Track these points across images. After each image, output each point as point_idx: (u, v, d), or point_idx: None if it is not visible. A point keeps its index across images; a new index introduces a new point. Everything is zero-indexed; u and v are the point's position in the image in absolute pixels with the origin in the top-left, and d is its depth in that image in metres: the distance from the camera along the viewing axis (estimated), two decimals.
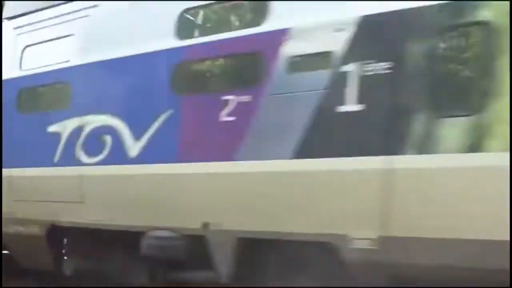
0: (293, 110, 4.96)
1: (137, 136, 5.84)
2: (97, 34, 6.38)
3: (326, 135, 4.82)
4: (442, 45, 4.52)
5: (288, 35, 5.05)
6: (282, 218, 5.05)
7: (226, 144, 5.30)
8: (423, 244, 4.40)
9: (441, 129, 4.34)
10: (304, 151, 4.88)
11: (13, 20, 7.35)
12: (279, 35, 5.08)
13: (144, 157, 5.78)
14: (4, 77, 6.98)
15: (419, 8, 4.50)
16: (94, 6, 6.41)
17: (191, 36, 5.74)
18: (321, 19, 4.95)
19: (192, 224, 5.48)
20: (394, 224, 4.60)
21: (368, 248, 4.69)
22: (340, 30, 4.79)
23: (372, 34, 4.68)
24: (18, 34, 7.18)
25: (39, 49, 6.97)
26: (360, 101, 4.65)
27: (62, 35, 6.66)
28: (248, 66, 5.42)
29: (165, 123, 5.68)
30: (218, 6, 5.78)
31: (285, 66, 5.04)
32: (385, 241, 4.57)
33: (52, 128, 6.54)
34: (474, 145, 4.24)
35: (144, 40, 5.95)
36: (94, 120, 6.14)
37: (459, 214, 4.26)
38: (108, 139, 6.03)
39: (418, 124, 4.44)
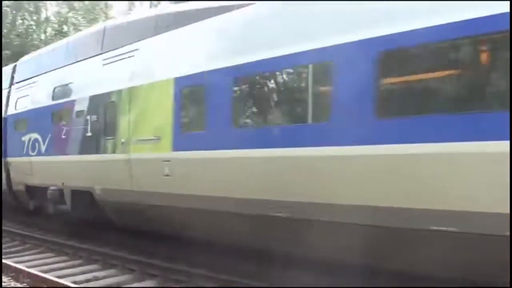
0: (77, 134, 11.78)
1: (44, 142, 13.03)
2: (34, 95, 13.83)
3: (85, 145, 11.54)
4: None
5: (75, 102, 11.92)
6: (78, 181, 11.82)
7: (65, 148, 12.27)
8: (117, 192, 10.68)
9: (105, 143, 10.89)
10: (80, 151, 11.67)
11: (15, 84, 15.21)
12: (73, 102, 12.00)
13: (46, 152, 12.96)
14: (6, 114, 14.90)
15: (103, 94, 11.01)
16: (34, 82, 13.86)
17: (56, 99, 12.85)
18: (83, 96, 11.69)
19: (60, 183, 12.54)
20: (107, 183, 11.00)
21: (100, 193, 11.17)
22: (86, 100, 11.58)
23: (92, 104, 11.35)
24: (15, 91, 14.93)
25: (22, 100, 14.56)
26: (90, 131, 11.36)
27: (27, 94, 14.22)
28: (67, 114, 12.28)
29: (51, 137, 12.79)
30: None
31: (75, 115, 11.90)
32: (104, 190, 11.03)
33: (23, 139, 14.07)
34: (113, 150, 10.71)
35: (45, 100, 13.23)
36: (33, 136, 13.53)
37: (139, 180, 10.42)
38: (36, 144, 13.33)
39: (103, 141, 10.98)
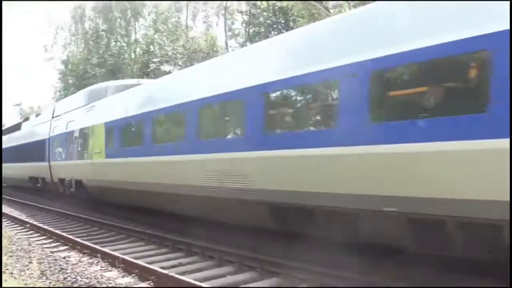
0: (75, 149, 19.43)
1: (63, 152, 20.86)
2: (59, 126, 21.96)
3: (78, 155, 19.16)
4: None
5: (74, 131, 19.69)
6: (77, 175, 19.43)
7: (71, 156, 19.99)
8: (91, 181, 18.26)
9: (85, 154, 18.44)
10: (76, 158, 19.34)
11: (53, 118, 23.29)
12: (73, 131, 19.82)
13: (65, 159, 20.88)
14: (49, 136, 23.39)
15: (84, 127, 18.67)
16: (60, 118, 22.33)
17: (67, 129, 20.74)
18: (77, 128, 19.49)
19: (70, 176, 20.20)
20: (87, 175, 18.46)
21: (85, 181, 18.74)
22: (78, 131, 19.33)
23: (80, 133, 19.02)
24: (56, 119, 23.00)
25: (56, 128, 22.35)
26: (80, 147, 19.06)
27: (57, 125, 22.34)
28: (71, 137, 19.95)
29: (65, 150, 20.68)
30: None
31: (74, 138, 19.58)
32: (87, 180, 18.63)
33: (55, 151, 21.92)
34: (87, 158, 18.15)
35: (63, 129, 21.25)
36: (59, 149, 21.48)
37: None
38: (60, 154, 21.26)
39: (84, 153, 18.54)
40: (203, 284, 6.47)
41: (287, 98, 9.03)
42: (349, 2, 29.91)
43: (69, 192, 20.24)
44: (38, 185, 24.78)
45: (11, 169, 29.77)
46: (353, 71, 7.40)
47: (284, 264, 8.61)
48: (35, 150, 24.37)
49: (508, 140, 5.58)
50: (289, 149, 8.36)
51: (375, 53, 7.17)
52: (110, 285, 6.87)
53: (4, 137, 33.00)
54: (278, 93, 9.06)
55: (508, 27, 5.76)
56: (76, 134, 19.13)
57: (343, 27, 8.36)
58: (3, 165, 30.44)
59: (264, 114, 9.08)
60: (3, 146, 31.64)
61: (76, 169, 19.07)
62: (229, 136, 10.42)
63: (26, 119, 30.98)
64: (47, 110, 26.61)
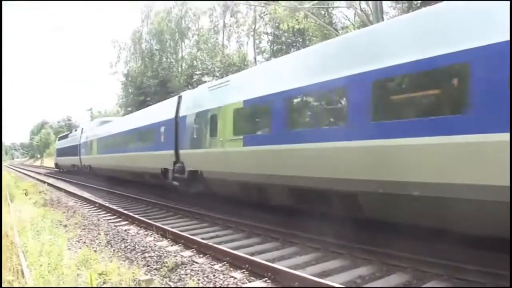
0: (87, 150, 29.93)
1: (84, 151, 31.93)
2: (83, 137, 32.50)
3: (88, 152, 29.70)
4: None
5: (87, 142, 30.48)
6: (88, 162, 29.17)
7: (86, 152, 30.81)
8: (96, 165, 28.68)
9: (91, 152, 28.04)
10: (87, 154, 30.17)
11: (82, 133, 34.31)
12: (87, 141, 30.52)
13: (85, 154, 31.51)
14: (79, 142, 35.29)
15: (87, 141, 29.17)
16: (84, 133, 32.56)
17: (85, 140, 30.82)
18: (88, 140, 30.34)
19: (87, 163, 29.55)
20: (92, 162, 29.25)
21: (93, 166, 29.54)
22: (90, 142, 29.62)
23: (88, 143, 30.28)
24: (83, 133, 34.11)
25: (82, 138, 33.71)
26: (89, 149, 29.49)
27: (83, 136, 32.89)
28: (87, 144, 30.77)
29: (84, 150, 31.91)
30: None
31: (87, 145, 30.41)
32: (94, 164, 29.15)
33: (82, 150, 32.82)
34: (92, 154, 28.68)
35: (85, 139, 30.94)
36: (83, 150, 32.42)
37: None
38: (83, 152, 32.56)
39: (90, 151, 28.25)
40: (335, 284, 5.59)
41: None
42: (354, 24, 29.91)
43: (86, 171, 31.39)
44: (75, 168, 36.29)
45: (63, 160, 42.33)
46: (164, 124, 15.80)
47: (301, 236, 8.77)
48: (73, 150, 35.76)
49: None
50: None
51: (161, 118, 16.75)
52: (239, 286, 6.27)
53: (59, 142, 46.91)
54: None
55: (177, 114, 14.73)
56: (88, 142, 29.69)
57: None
58: (60, 158, 44.73)
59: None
60: (59, 147, 45.15)
61: (89, 159, 29.64)
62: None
63: (70, 131, 44.51)
64: (79, 127, 38.65)
